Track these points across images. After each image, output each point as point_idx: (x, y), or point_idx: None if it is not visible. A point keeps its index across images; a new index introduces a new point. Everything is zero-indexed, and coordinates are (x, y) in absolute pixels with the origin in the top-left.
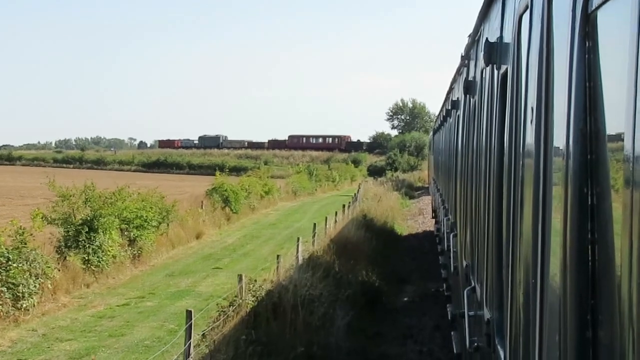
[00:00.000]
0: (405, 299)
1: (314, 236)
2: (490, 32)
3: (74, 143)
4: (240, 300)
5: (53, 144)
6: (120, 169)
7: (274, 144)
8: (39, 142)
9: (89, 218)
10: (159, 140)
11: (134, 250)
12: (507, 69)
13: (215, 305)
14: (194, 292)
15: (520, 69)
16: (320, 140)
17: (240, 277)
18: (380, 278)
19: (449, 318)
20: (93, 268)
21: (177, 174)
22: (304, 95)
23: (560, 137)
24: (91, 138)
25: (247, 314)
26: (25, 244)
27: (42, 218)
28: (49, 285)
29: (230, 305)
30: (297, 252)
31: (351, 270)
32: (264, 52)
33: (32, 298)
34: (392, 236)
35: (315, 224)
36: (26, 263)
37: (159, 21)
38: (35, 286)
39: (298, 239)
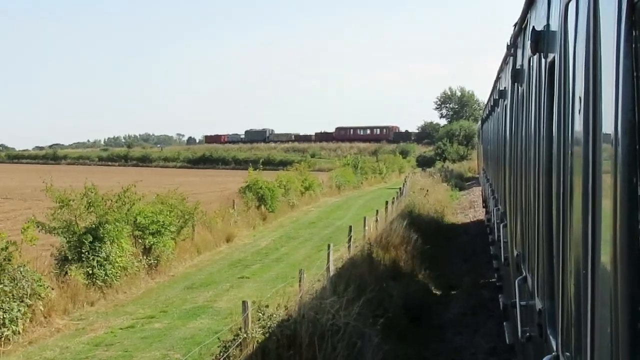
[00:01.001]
0: (455, 311)
1: (349, 240)
2: (537, 21)
3: (123, 140)
4: (245, 335)
5: (102, 142)
6: (165, 165)
7: (321, 137)
8: (88, 141)
9: (93, 225)
10: (206, 136)
11: (149, 260)
12: (554, 57)
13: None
14: (211, 308)
15: (568, 58)
16: (368, 131)
17: (244, 305)
18: (426, 287)
19: (501, 308)
20: (99, 283)
21: (223, 169)
22: (351, 86)
23: (608, 127)
24: (140, 135)
25: (254, 352)
26: (10, 260)
27: (39, 227)
28: (41, 307)
29: (233, 340)
30: (328, 261)
31: (393, 279)
32: (310, 42)
33: (14, 325)
34: (441, 233)
35: (350, 226)
36: (10, 283)
37: (205, 14)
38: (19, 310)
39: (329, 246)
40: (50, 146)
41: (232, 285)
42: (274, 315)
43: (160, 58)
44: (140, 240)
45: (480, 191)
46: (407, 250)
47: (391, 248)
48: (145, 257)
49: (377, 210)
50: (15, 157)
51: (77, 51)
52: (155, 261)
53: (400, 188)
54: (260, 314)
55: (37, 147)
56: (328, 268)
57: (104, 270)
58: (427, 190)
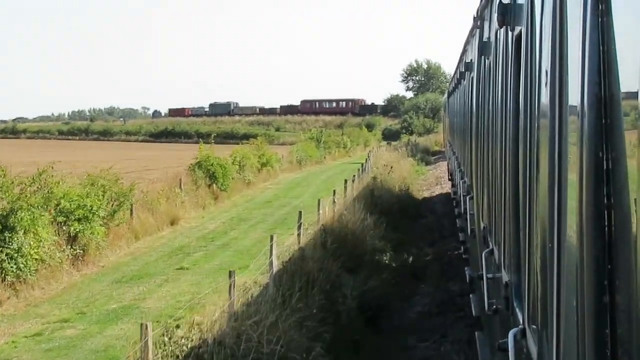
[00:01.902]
0: (419, 308)
1: (299, 227)
2: None
3: (87, 114)
4: None
5: (66, 116)
6: (127, 139)
7: (286, 110)
8: (52, 114)
9: (3, 213)
10: (170, 109)
11: (75, 250)
12: (521, 30)
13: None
14: (138, 309)
15: (534, 31)
16: (334, 104)
17: (143, 329)
18: (388, 279)
19: (467, 281)
20: (10, 279)
21: (185, 143)
22: (317, 59)
23: (574, 101)
24: (104, 109)
25: None
26: None
27: None
28: None
29: None
30: (271, 255)
31: (349, 272)
32: (275, 17)
33: None
34: (406, 213)
35: (300, 212)
36: None
37: None
38: None
39: (272, 237)
40: (14, 120)
41: (168, 279)
42: (184, 341)
43: (127, 30)
44: (64, 228)
45: (446, 166)
46: (367, 236)
47: (348, 234)
48: (69, 247)
49: (334, 190)
50: None
51: (40, 22)
52: (82, 251)
53: (362, 163)
54: (165, 339)
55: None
56: (271, 263)
57: (15, 264)
58: (392, 167)
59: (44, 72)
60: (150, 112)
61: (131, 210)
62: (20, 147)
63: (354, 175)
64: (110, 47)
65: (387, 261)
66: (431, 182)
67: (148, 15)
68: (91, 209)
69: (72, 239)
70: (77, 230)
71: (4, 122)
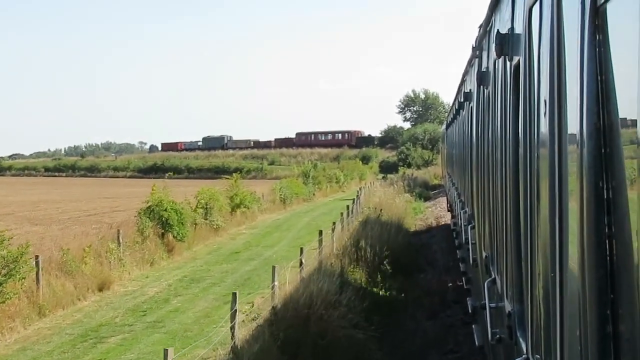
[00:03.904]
0: None
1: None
2: (502, 24)
3: (83, 149)
4: None
5: (62, 151)
6: (115, 175)
7: (282, 143)
8: (48, 150)
9: None
10: (162, 144)
11: None
12: (519, 60)
13: None
14: None
15: (532, 61)
16: (330, 136)
17: None
18: None
19: (470, 311)
20: None
21: (175, 178)
22: (312, 91)
23: (573, 131)
24: (101, 144)
25: None
26: None
27: None
28: None
29: None
30: None
31: None
32: (269, 48)
33: None
34: (398, 266)
35: (234, 295)
36: None
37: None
38: None
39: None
40: (10, 156)
41: None
42: None
43: (126, 66)
44: None
45: (446, 197)
46: (342, 315)
47: (313, 318)
48: None
49: (301, 249)
50: None
51: (38, 58)
52: None
53: (350, 203)
54: None
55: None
56: None
57: None
58: (381, 210)
59: (42, 108)
60: (147, 147)
61: (37, 277)
62: None
63: (334, 223)
64: (109, 83)
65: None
66: (430, 222)
67: (142, 50)
68: None
69: None
70: None
71: (2, 158)
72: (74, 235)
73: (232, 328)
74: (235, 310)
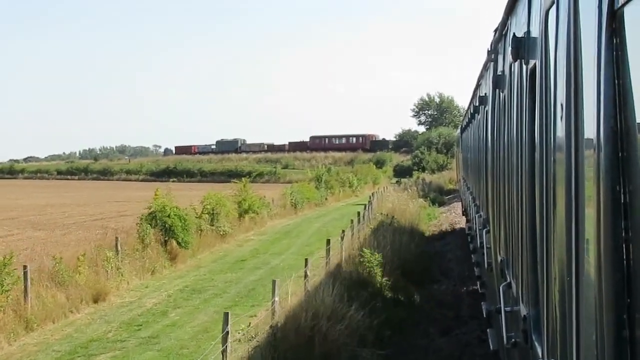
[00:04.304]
0: None
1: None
2: (518, 27)
3: (98, 152)
4: None
5: (77, 154)
6: (127, 178)
7: (295, 146)
8: (63, 153)
9: None
10: (176, 147)
11: None
12: (535, 64)
13: None
14: None
15: (549, 64)
16: (344, 140)
17: None
18: None
19: (484, 315)
20: None
21: (188, 182)
22: (327, 94)
23: (590, 134)
24: (116, 147)
25: None
26: None
27: None
28: None
29: None
30: None
31: None
32: (285, 50)
33: None
34: (411, 276)
35: (225, 318)
36: None
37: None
38: None
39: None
40: (25, 159)
41: None
42: None
43: (143, 68)
44: None
45: (461, 207)
46: (349, 333)
47: (320, 336)
48: None
49: (306, 259)
50: None
51: (53, 62)
52: None
53: (362, 209)
54: None
55: (11, 160)
56: None
57: None
58: (394, 214)
59: (58, 111)
60: (162, 150)
61: (25, 288)
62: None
63: (343, 231)
64: (126, 87)
65: None
66: (445, 228)
67: (157, 54)
68: None
69: None
70: None
71: (16, 161)
72: (76, 240)
73: (224, 352)
74: (228, 332)
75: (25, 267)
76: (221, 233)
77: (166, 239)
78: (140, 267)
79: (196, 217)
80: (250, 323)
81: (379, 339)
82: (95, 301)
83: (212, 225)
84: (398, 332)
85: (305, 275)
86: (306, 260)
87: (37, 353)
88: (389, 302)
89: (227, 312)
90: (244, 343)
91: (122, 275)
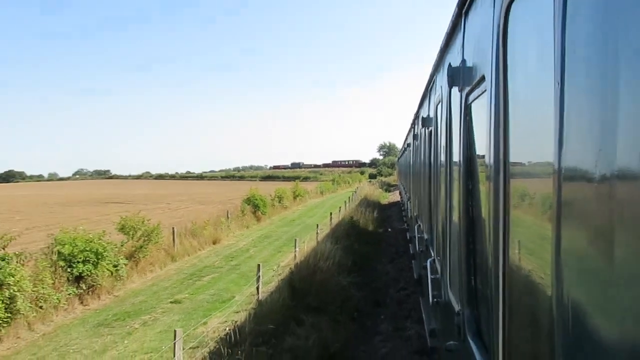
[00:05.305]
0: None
1: (257, 280)
2: (424, 111)
3: (240, 168)
4: None
5: (231, 169)
6: (251, 180)
7: (325, 165)
8: (228, 168)
9: None
10: (272, 166)
11: (79, 289)
12: (432, 129)
13: None
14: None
15: (438, 130)
16: (346, 162)
17: None
18: (353, 306)
19: (408, 239)
20: None
21: (279, 181)
22: (341, 137)
23: (456, 159)
24: (248, 165)
25: None
26: None
27: None
28: None
29: None
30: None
31: (312, 314)
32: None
33: None
34: (374, 232)
35: (259, 265)
36: None
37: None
38: None
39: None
40: (203, 172)
41: (146, 322)
42: None
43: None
44: (69, 270)
45: (398, 193)
46: (334, 268)
47: (318, 274)
48: (73, 287)
49: (317, 225)
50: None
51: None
52: (89, 287)
53: (353, 193)
54: None
55: (204, 172)
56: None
57: None
58: (366, 194)
59: (228, 136)
60: (268, 167)
61: (173, 239)
62: (197, 186)
63: (345, 201)
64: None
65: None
66: (391, 201)
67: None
68: (97, 252)
69: (77, 279)
70: (81, 271)
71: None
72: (216, 209)
73: (257, 288)
74: (259, 277)
75: (173, 228)
76: (284, 206)
77: (255, 210)
78: (241, 224)
79: (271, 200)
80: (279, 264)
81: (356, 267)
82: (214, 243)
83: (280, 203)
84: (366, 263)
85: (317, 234)
86: (317, 225)
87: (174, 275)
88: (362, 242)
89: (259, 264)
90: (276, 276)
91: (230, 229)
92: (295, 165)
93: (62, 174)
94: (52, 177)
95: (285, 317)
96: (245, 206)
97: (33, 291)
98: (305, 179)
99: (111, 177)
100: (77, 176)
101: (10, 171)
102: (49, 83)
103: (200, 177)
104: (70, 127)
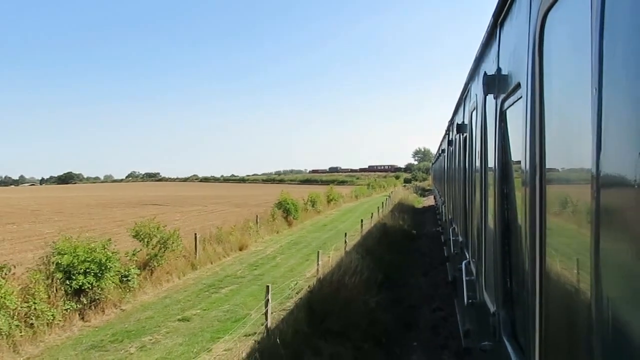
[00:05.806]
0: None
1: (266, 304)
2: (459, 118)
3: (281, 172)
4: None
5: (273, 172)
6: (290, 183)
7: (362, 170)
8: (263, 173)
9: None
10: (310, 170)
11: (79, 304)
12: (466, 135)
13: None
14: None
15: (473, 136)
16: (382, 167)
17: None
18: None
19: (443, 241)
20: None
21: (317, 185)
22: (375, 145)
23: (491, 165)
24: (289, 169)
25: None
26: None
27: None
28: None
29: None
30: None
31: (332, 340)
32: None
33: None
34: (408, 232)
35: (267, 288)
36: None
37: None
38: None
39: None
40: (230, 175)
41: (144, 345)
42: None
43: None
44: (67, 282)
45: (432, 197)
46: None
47: (342, 289)
48: (75, 301)
49: (345, 233)
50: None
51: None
52: (92, 301)
53: (386, 197)
54: None
55: (258, 174)
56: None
57: None
58: (400, 200)
59: (270, 145)
60: (308, 170)
61: (195, 245)
62: (235, 188)
63: (378, 207)
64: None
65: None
66: (426, 205)
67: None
68: (100, 262)
69: (78, 293)
70: (81, 283)
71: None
72: (250, 211)
73: (266, 313)
74: (268, 300)
75: (195, 234)
76: (317, 211)
77: (286, 215)
78: (270, 229)
79: (303, 204)
80: (297, 282)
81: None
82: (240, 249)
83: (313, 207)
84: (397, 276)
85: (345, 242)
86: (345, 234)
87: (191, 286)
88: (393, 251)
89: (269, 285)
90: (293, 294)
91: (259, 234)
92: (333, 170)
93: (117, 176)
94: (107, 179)
95: (299, 346)
96: (276, 210)
97: (23, 307)
98: (342, 182)
99: (160, 180)
100: (130, 178)
101: (69, 173)
102: (109, 93)
103: (242, 180)
104: (125, 132)
